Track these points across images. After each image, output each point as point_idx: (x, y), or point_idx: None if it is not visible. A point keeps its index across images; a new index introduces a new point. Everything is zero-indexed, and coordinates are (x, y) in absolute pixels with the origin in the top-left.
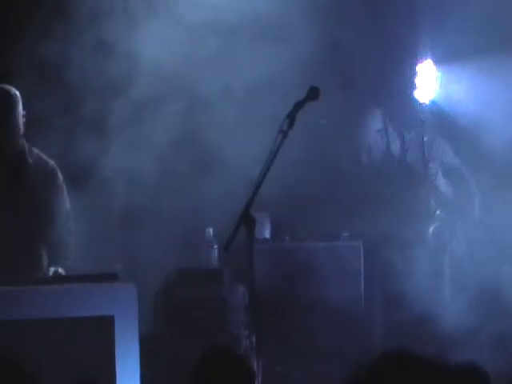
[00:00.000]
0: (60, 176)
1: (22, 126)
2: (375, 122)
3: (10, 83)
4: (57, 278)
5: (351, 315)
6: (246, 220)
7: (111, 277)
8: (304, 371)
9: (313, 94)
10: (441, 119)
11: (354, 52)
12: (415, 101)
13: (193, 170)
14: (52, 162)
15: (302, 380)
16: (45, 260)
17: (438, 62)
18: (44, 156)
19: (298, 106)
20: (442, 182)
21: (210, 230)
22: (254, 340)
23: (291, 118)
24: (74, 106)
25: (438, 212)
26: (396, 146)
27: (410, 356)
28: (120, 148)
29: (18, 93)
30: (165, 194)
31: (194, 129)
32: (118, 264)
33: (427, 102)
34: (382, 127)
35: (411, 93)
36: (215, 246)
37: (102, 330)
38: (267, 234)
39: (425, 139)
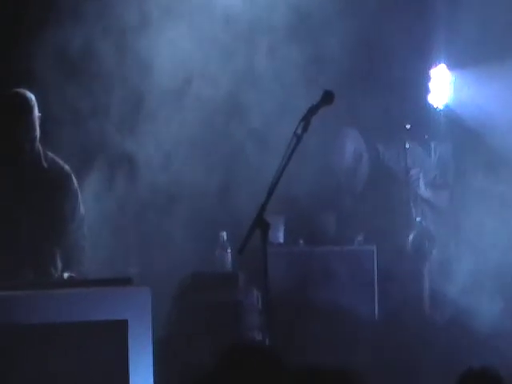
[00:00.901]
0: (75, 181)
1: (38, 129)
2: (350, 144)
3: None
4: (71, 282)
5: (364, 319)
6: (260, 224)
7: (125, 281)
8: None
9: (327, 98)
10: (454, 123)
11: (368, 57)
12: (429, 105)
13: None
14: (67, 167)
15: None
16: (59, 264)
17: (451, 66)
18: (59, 160)
19: (312, 110)
20: (423, 188)
21: (224, 234)
22: (267, 343)
23: (305, 121)
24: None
25: (418, 219)
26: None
27: None
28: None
29: (33, 97)
30: (179, 197)
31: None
32: (132, 268)
33: (441, 107)
34: (356, 148)
35: (425, 97)
36: (229, 250)
37: (116, 334)
38: (281, 238)
39: (407, 146)
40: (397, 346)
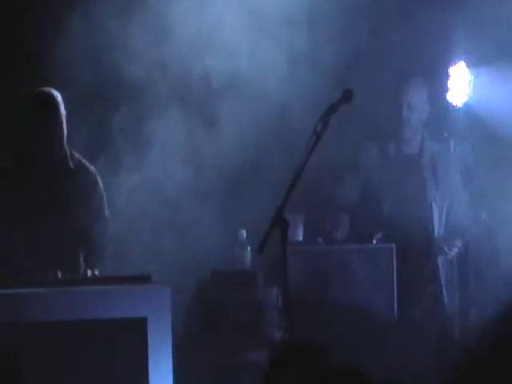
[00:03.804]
0: (100, 183)
1: (65, 128)
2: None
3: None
4: (90, 280)
5: (383, 318)
6: (279, 222)
7: (145, 278)
8: None
9: (347, 96)
10: (474, 122)
11: (384, 54)
12: (448, 103)
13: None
14: (93, 168)
15: None
16: (81, 265)
17: (471, 64)
18: (85, 161)
19: (332, 108)
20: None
21: (244, 232)
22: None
23: (325, 120)
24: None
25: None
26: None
27: None
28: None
29: (59, 95)
30: (199, 194)
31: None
32: (151, 266)
33: (460, 105)
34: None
35: (444, 95)
36: (248, 248)
37: (135, 332)
38: (300, 236)
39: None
40: (414, 347)
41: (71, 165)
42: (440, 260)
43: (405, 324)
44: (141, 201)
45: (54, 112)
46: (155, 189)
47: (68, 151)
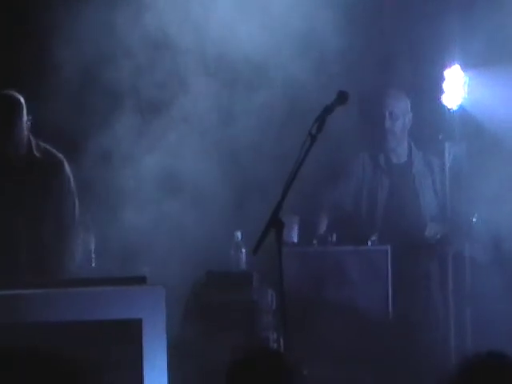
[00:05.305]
0: (67, 167)
1: (25, 127)
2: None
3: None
4: (85, 281)
5: (378, 318)
6: (275, 223)
7: (139, 280)
8: (330, 373)
9: (342, 98)
10: (468, 124)
11: (381, 55)
12: (442, 107)
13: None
14: (60, 155)
15: (326, 382)
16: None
17: (465, 67)
18: (52, 149)
19: (327, 110)
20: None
21: (239, 234)
22: (282, 343)
23: (320, 121)
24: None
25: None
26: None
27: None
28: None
29: (21, 98)
30: (194, 196)
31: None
32: (146, 267)
33: (455, 108)
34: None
35: (439, 97)
36: (244, 250)
37: (130, 333)
38: (295, 238)
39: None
40: (408, 345)
41: (37, 153)
42: (433, 261)
43: (400, 324)
44: (139, 201)
45: (14, 113)
46: (154, 189)
47: (33, 142)
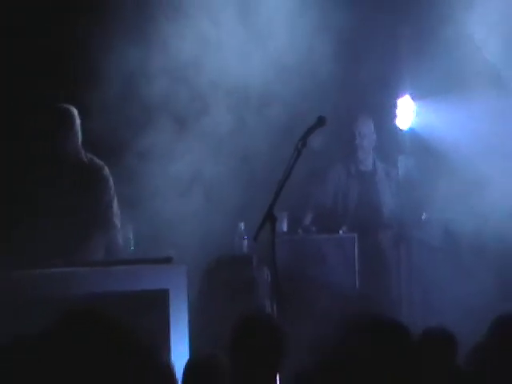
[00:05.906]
0: (107, 171)
1: (79, 136)
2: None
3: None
4: (125, 261)
5: (347, 290)
6: (270, 218)
7: (167, 259)
8: (310, 331)
9: (321, 121)
10: (416, 142)
11: (353, 86)
12: (396, 128)
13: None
14: (101, 162)
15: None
16: (91, 249)
17: (414, 97)
18: (94, 157)
19: (309, 131)
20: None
21: (242, 225)
22: (275, 308)
23: (304, 140)
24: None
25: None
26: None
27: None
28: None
29: (75, 110)
30: (213, 195)
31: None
32: (171, 250)
33: (406, 129)
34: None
35: (393, 121)
36: (246, 237)
37: (159, 301)
38: (285, 228)
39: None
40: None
41: (85, 159)
42: (390, 245)
43: (363, 296)
44: (167, 197)
45: (68, 124)
46: (179, 188)
47: (83, 151)
